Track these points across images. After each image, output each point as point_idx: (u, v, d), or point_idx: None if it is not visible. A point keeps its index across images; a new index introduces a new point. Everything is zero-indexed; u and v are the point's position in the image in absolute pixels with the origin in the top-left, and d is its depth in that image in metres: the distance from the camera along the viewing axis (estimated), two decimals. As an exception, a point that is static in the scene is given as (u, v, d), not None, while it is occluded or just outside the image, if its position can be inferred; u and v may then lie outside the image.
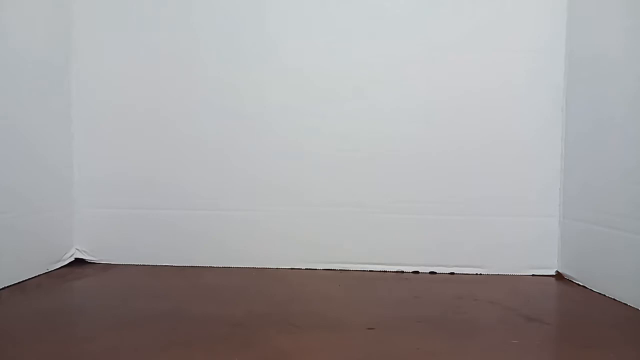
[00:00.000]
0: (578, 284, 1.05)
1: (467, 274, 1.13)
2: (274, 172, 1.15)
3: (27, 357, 0.64)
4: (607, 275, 0.96)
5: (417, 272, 1.14)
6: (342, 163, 1.15)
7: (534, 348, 0.70)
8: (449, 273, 1.13)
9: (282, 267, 1.11)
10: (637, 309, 0.86)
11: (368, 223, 1.14)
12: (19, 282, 0.98)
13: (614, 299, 0.93)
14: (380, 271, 1.14)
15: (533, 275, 1.12)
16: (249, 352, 0.68)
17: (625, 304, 0.89)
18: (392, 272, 1.14)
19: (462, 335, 0.73)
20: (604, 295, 0.95)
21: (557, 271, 1.12)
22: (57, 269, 1.11)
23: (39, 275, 1.05)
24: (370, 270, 1.14)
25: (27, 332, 0.72)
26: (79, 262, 1.18)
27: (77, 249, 1.19)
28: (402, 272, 1.14)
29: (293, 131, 1.14)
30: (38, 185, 1.06)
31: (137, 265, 1.16)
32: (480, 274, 1.12)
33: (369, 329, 0.75)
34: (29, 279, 1.02)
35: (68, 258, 1.16)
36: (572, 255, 1.09)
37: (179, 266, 1.16)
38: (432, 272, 1.14)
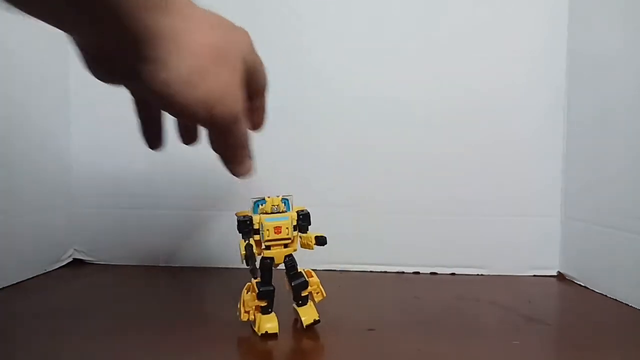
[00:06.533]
0: (580, 285, 1.04)
1: (468, 274, 1.12)
2: (273, 172, 1.14)
3: (25, 357, 0.64)
4: (610, 276, 0.95)
5: (417, 272, 1.13)
6: (341, 163, 1.14)
7: (535, 349, 0.70)
8: (449, 274, 1.13)
9: (282, 268, 1.11)
10: (640, 310, 0.86)
11: (368, 223, 1.13)
12: (16, 283, 0.97)
13: (616, 300, 0.92)
14: (381, 272, 1.13)
15: (534, 275, 1.12)
16: (248, 353, 0.67)
17: (627, 305, 0.88)
18: (393, 272, 1.13)
19: (464, 336, 0.72)
20: (606, 296, 0.95)
21: (558, 271, 1.12)
22: (55, 269, 1.11)
23: (36, 276, 1.04)
24: (370, 271, 1.13)
25: (25, 333, 0.72)
26: (77, 262, 1.17)
27: (75, 249, 1.18)
28: (403, 272, 1.13)
29: (292, 131, 1.14)
30: (36, 185, 1.05)
31: (135, 265, 1.16)
32: (482, 275, 1.12)
33: (369, 330, 0.75)
34: (27, 279, 1.01)
35: (66, 258, 1.16)
36: (573, 255, 1.08)
37: (178, 267, 1.15)
38: (432, 273, 1.13)
